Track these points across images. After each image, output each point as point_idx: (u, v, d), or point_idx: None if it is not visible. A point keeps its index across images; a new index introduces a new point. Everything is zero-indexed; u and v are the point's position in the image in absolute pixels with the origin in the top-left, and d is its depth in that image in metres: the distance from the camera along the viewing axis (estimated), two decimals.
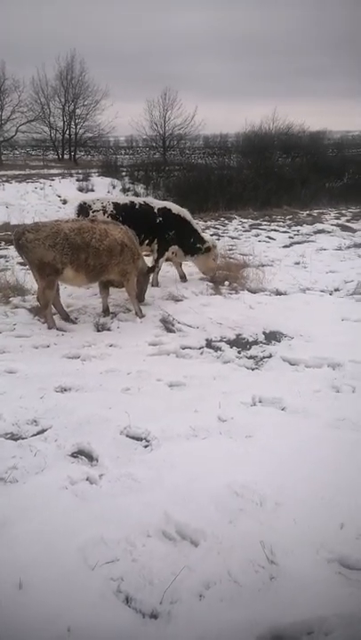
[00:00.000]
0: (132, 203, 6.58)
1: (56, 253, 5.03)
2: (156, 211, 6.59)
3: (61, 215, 17.19)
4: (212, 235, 10.00)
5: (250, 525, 2.41)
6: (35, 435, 3.24)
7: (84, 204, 6.51)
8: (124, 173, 29.40)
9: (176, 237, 6.72)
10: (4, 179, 26.68)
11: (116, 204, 6.44)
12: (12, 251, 9.30)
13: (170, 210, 6.70)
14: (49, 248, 5.00)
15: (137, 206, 6.54)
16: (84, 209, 6.42)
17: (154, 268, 6.38)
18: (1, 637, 1.83)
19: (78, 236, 5.11)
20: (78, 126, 40.73)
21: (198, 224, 7.44)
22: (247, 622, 1.89)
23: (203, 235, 7.14)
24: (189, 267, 7.60)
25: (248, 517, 2.47)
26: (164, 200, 7.01)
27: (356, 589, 2.02)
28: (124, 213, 6.33)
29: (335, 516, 2.45)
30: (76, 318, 5.70)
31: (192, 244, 6.88)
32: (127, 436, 3.25)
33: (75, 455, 3.03)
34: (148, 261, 6.40)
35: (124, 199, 6.74)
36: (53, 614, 1.94)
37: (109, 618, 1.93)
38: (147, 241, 6.63)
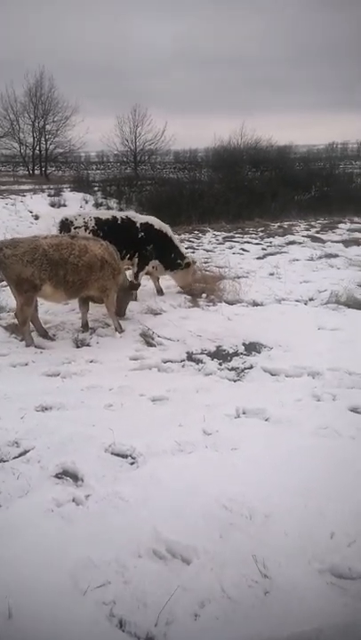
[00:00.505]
0: (115, 217, 6.58)
1: (34, 269, 4.97)
2: (138, 225, 6.61)
3: (34, 231, 17.02)
4: (186, 248, 10.07)
5: (241, 539, 2.40)
6: (17, 457, 3.15)
7: (66, 220, 6.47)
8: (96, 188, 29.38)
9: (157, 252, 6.75)
10: None
11: (97, 220, 6.42)
12: None
13: (152, 225, 6.73)
14: (27, 264, 4.94)
15: (119, 221, 6.55)
16: (65, 225, 6.39)
17: (137, 285, 6.34)
18: None
19: (57, 252, 5.07)
20: (49, 142, 40.55)
21: (179, 240, 7.48)
22: (244, 639, 1.86)
23: (182, 250, 7.19)
24: (167, 280, 7.62)
25: (238, 531, 2.46)
26: (145, 214, 7.01)
27: (351, 599, 2.03)
28: (106, 228, 6.32)
29: (325, 525, 2.46)
30: (55, 335, 5.62)
31: (173, 260, 6.93)
32: (112, 453, 3.21)
33: (59, 476, 2.97)
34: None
35: (105, 214, 6.72)
36: None
37: None
38: (128, 255, 6.63)
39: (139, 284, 6.42)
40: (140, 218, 6.75)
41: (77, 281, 5.21)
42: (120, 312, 5.97)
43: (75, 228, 6.29)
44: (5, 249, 4.96)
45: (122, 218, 6.61)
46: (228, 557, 2.28)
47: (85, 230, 6.25)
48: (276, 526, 2.48)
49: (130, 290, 6.06)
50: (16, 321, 5.90)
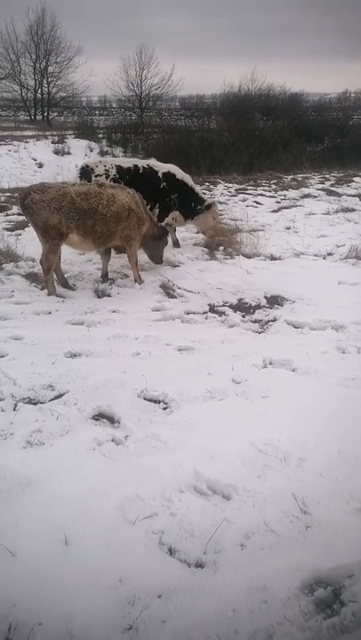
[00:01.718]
0: (136, 166, 6.39)
1: (62, 217, 4.90)
2: (160, 175, 6.43)
3: (38, 179, 16.61)
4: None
5: (278, 479, 2.51)
6: (52, 399, 3.24)
7: (87, 166, 6.29)
8: (100, 135, 28.41)
9: (178, 203, 6.61)
10: None
11: (119, 168, 6.24)
12: None
13: (174, 175, 6.55)
14: (54, 211, 4.86)
15: (141, 170, 6.37)
16: (86, 172, 6.22)
17: (167, 231, 6.20)
18: (55, 588, 1.89)
19: (85, 201, 4.97)
20: (51, 85, 38.85)
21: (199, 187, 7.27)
22: (290, 568, 1.99)
23: (202, 196, 6.99)
24: (181, 232, 7.53)
25: (275, 472, 2.56)
26: (167, 163, 6.79)
27: None
28: (127, 177, 6.15)
29: (358, 469, 2.57)
30: (74, 285, 5.61)
31: (193, 208, 6.78)
32: (145, 398, 3.29)
33: (96, 418, 3.06)
34: None
35: (127, 162, 6.51)
36: (102, 567, 2.00)
37: (157, 568, 2.01)
38: (149, 206, 6.50)
39: (167, 230, 6.28)
40: (162, 167, 6.56)
41: (106, 231, 5.16)
42: (158, 259, 5.99)
43: (95, 176, 6.13)
44: (34, 193, 4.87)
45: (143, 167, 6.42)
46: (268, 495, 2.39)
47: (107, 178, 6.10)
48: (311, 469, 2.58)
49: (162, 236, 5.96)
50: (35, 270, 5.91)
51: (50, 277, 5.20)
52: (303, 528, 2.20)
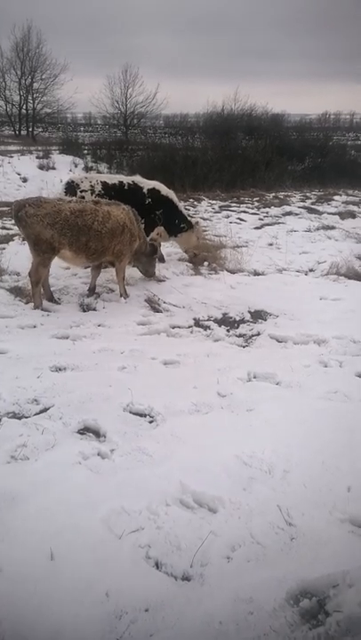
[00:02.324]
0: (121, 182, 6.47)
1: (54, 232, 4.96)
2: (145, 191, 6.52)
3: (22, 194, 16.63)
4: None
5: (263, 491, 2.53)
6: (37, 413, 3.22)
7: (72, 182, 6.34)
8: (85, 151, 28.61)
9: (163, 218, 6.69)
10: None
11: (104, 184, 6.31)
12: None
13: (159, 191, 6.65)
14: (47, 226, 4.92)
15: (126, 186, 6.45)
16: (71, 187, 6.26)
17: (158, 247, 6.30)
18: (40, 604, 1.87)
19: (80, 218, 5.04)
20: (36, 101, 39.08)
21: (183, 205, 7.41)
22: (276, 580, 2.00)
23: (185, 215, 7.13)
24: (167, 247, 7.61)
25: (260, 484, 2.59)
26: (152, 179, 6.90)
27: None
28: (112, 193, 6.22)
29: (341, 480, 2.61)
30: (59, 299, 5.62)
31: (177, 225, 6.88)
32: (131, 412, 3.30)
33: (82, 432, 3.05)
34: None
35: (112, 178, 6.59)
36: (88, 581, 1.99)
37: (144, 582, 2.00)
38: None
39: (158, 247, 6.37)
40: (147, 183, 6.65)
41: (100, 247, 5.24)
42: (151, 274, 6.19)
43: (80, 192, 6.19)
44: (28, 207, 4.93)
45: (128, 183, 6.50)
46: (254, 507, 2.41)
47: (92, 194, 6.16)
48: (295, 480, 2.62)
49: (154, 252, 6.08)
50: (19, 284, 5.90)
51: (37, 290, 5.21)
52: (288, 539, 2.22)
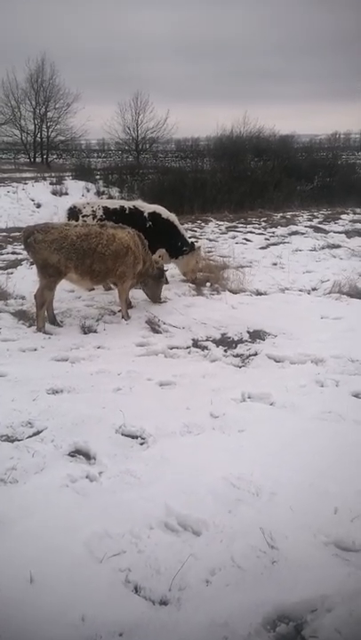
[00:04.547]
0: (122, 207, 6.64)
1: (61, 257, 5.14)
2: (146, 215, 6.67)
3: (35, 219, 17.05)
4: (189, 237, 10.14)
5: (248, 514, 2.51)
6: (30, 436, 3.26)
7: (75, 207, 6.54)
8: (97, 177, 29.27)
9: (164, 241, 6.81)
10: None
11: (105, 209, 6.48)
12: None
13: (160, 214, 6.79)
14: (54, 251, 5.11)
15: (127, 211, 6.61)
16: (74, 213, 6.45)
17: (164, 270, 6.37)
18: (18, 627, 1.88)
19: (85, 241, 5.22)
20: (50, 129, 40.32)
21: (184, 228, 7.54)
22: (253, 604, 1.98)
23: (187, 238, 7.25)
24: (171, 269, 7.69)
25: (246, 507, 2.57)
26: (162, 202, 7.07)
27: (354, 569, 2.15)
28: (114, 217, 6.37)
29: (329, 502, 2.58)
30: (62, 321, 5.71)
31: (179, 248, 6.99)
32: (122, 434, 3.31)
33: (72, 454, 3.08)
34: None
35: (114, 203, 6.78)
36: (66, 605, 1.99)
37: (121, 606, 2.00)
38: None
39: (164, 270, 6.43)
40: (148, 207, 6.80)
41: (104, 269, 5.39)
42: (157, 298, 6.24)
43: (82, 217, 6.35)
44: (37, 233, 5.13)
45: (130, 207, 6.66)
46: (237, 530, 2.39)
47: (93, 219, 6.32)
48: (282, 502, 2.59)
49: (160, 275, 6.18)
50: (23, 307, 6.02)
51: (41, 313, 5.33)
52: (269, 563, 2.20)
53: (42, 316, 5.37)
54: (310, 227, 12.69)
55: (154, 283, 6.18)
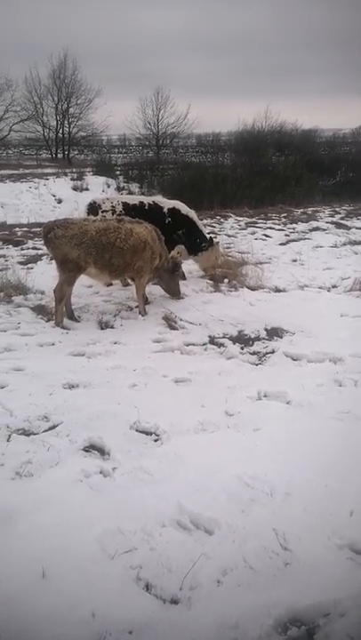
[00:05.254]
0: (142, 203, 6.63)
1: (81, 252, 5.19)
2: (165, 211, 6.66)
3: (57, 215, 17.17)
4: (208, 233, 10.09)
5: (262, 514, 2.49)
6: (46, 430, 3.29)
7: (94, 203, 6.57)
8: (118, 172, 29.36)
9: (183, 237, 6.78)
10: None
11: (125, 204, 6.49)
12: (11, 250, 9.35)
13: (179, 210, 6.76)
14: (74, 246, 5.16)
15: (146, 206, 6.60)
16: (93, 208, 6.48)
17: (180, 263, 6.32)
18: (28, 623, 1.89)
19: (104, 236, 5.26)
20: (72, 125, 40.62)
21: (203, 224, 7.49)
22: (264, 606, 1.96)
23: (206, 234, 7.20)
24: (189, 265, 7.66)
25: (260, 507, 2.55)
26: (181, 197, 7.04)
27: None
28: (133, 213, 6.37)
29: (344, 505, 2.53)
30: (79, 316, 5.74)
31: (197, 244, 6.95)
32: (137, 430, 3.32)
33: (87, 449, 3.09)
34: None
35: (133, 199, 6.78)
36: (77, 601, 2.00)
37: (131, 603, 2.00)
38: None
39: (178, 264, 6.39)
40: (167, 203, 6.77)
41: (122, 264, 5.43)
42: (176, 293, 6.21)
43: (102, 212, 6.37)
44: (57, 229, 5.19)
45: (149, 203, 6.65)
46: (250, 530, 2.37)
47: (113, 214, 6.33)
48: (296, 503, 2.56)
49: (175, 269, 6.15)
50: (42, 302, 6.08)
51: (60, 307, 5.38)
52: (282, 565, 2.17)
53: (60, 311, 5.42)
54: (332, 223, 12.48)
55: (169, 276, 6.15)
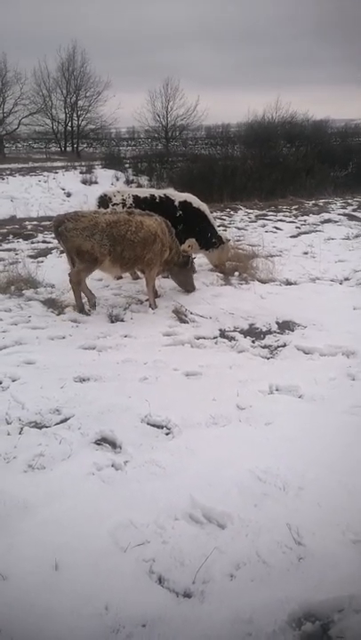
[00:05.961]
0: (153, 196, 6.59)
1: (94, 244, 5.21)
2: (176, 204, 6.61)
3: (66, 208, 17.16)
4: (218, 226, 10.01)
5: (275, 509, 2.47)
6: (58, 423, 3.30)
7: (105, 196, 6.54)
8: (127, 165, 29.30)
9: (194, 231, 6.74)
10: (8, 172, 26.66)
11: (136, 197, 6.46)
12: (21, 243, 9.38)
13: (190, 203, 6.71)
14: (86, 238, 5.19)
15: (157, 199, 6.56)
16: (104, 201, 6.46)
17: (190, 257, 6.28)
18: (41, 615, 1.90)
19: (115, 228, 5.28)
20: (81, 118, 40.59)
21: (215, 218, 7.43)
22: (278, 601, 1.95)
23: (218, 230, 7.14)
24: (199, 258, 7.62)
25: (272, 501, 2.53)
26: (191, 190, 6.98)
27: None
28: (143, 206, 6.33)
29: (358, 500, 2.51)
30: (90, 310, 5.74)
31: (209, 239, 6.90)
32: (148, 424, 3.31)
33: (98, 443, 3.09)
34: None
35: (144, 192, 6.74)
36: (89, 593, 2.00)
37: (144, 597, 2.00)
38: None
39: (189, 259, 6.35)
40: (179, 196, 6.72)
41: (133, 256, 5.45)
42: (189, 286, 6.21)
43: (112, 205, 6.34)
44: (67, 222, 5.21)
45: (160, 196, 6.60)
46: (263, 524, 2.35)
47: (123, 207, 6.30)
48: (309, 498, 2.53)
49: (186, 263, 6.13)
50: (53, 295, 6.09)
51: (79, 291, 5.46)
52: (296, 559, 2.15)
53: (79, 294, 5.50)
54: (344, 214, 12.31)
55: (180, 270, 6.13)
